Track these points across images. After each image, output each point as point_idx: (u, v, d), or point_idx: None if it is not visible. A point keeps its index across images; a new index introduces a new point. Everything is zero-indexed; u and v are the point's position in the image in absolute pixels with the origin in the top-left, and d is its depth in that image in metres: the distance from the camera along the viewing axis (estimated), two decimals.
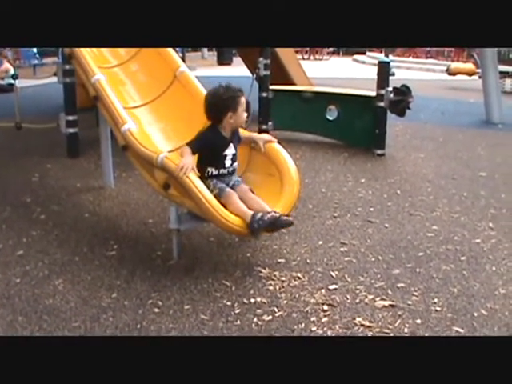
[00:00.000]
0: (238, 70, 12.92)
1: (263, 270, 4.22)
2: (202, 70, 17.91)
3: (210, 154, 4.41)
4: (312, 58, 30.66)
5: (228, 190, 4.28)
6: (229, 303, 3.77)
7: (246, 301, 3.80)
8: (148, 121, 5.28)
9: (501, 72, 15.34)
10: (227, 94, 4.40)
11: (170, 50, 5.71)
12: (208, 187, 4.18)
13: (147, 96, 5.51)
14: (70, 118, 7.37)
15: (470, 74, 18.32)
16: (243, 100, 4.44)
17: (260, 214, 4.04)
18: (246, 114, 4.45)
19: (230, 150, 4.45)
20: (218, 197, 4.19)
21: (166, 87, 5.51)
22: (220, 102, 4.39)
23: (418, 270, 4.34)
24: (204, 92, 5.19)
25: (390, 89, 7.77)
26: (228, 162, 4.44)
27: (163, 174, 4.29)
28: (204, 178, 4.30)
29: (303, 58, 28.92)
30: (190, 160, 4.19)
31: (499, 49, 28.31)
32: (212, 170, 4.39)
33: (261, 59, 8.38)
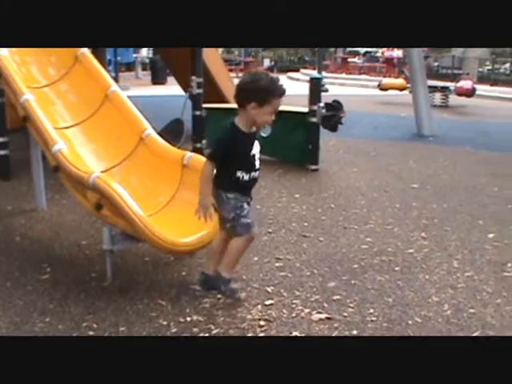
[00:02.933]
0: (172, 90, 12.91)
1: (199, 288, 4.19)
2: (136, 90, 17.83)
3: (237, 156, 3.84)
4: None
5: (254, 230, 3.96)
6: (165, 323, 3.74)
7: (182, 319, 3.77)
8: (79, 141, 5.21)
9: (430, 86, 15.76)
10: (265, 85, 3.76)
11: (101, 69, 5.66)
12: (226, 211, 3.86)
13: (78, 116, 5.44)
14: (0, 139, 7.21)
15: (401, 88, 18.74)
16: (277, 102, 3.81)
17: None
18: (271, 119, 3.85)
19: (256, 149, 3.94)
20: (233, 230, 3.90)
21: (98, 107, 5.46)
22: (253, 87, 3.76)
23: (353, 281, 4.39)
24: (136, 111, 5.17)
25: (322, 104, 7.88)
26: (257, 163, 3.93)
27: (95, 194, 4.24)
28: (226, 190, 3.85)
29: (238, 77, 29.07)
30: (208, 197, 3.79)
31: (428, 64, 29.06)
32: (243, 175, 3.84)
33: (193, 77, 8.38)
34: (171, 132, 8.32)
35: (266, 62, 38.52)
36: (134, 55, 27.62)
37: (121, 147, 5.01)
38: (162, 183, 4.78)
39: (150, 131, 5.10)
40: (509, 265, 4.85)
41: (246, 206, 3.89)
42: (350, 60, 38.20)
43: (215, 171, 3.84)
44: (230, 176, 3.83)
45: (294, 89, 10.63)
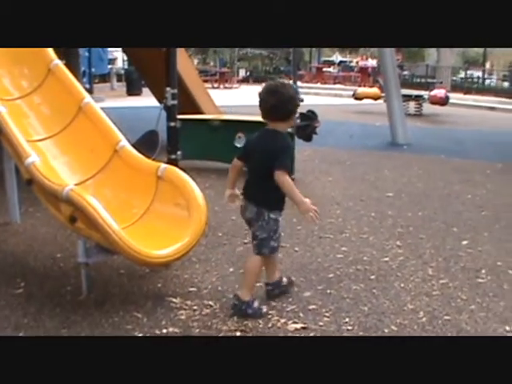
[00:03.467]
0: (147, 101, 12.92)
1: (174, 300, 4.18)
2: (111, 101, 17.78)
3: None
4: (222, 86, 30.87)
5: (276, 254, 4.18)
6: (141, 335, 3.72)
7: (158, 332, 3.75)
8: (53, 154, 5.17)
9: (404, 95, 15.91)
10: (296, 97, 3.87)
11: (75, 80, 5.64)
12: (261, 230, 3.89)
13: (52, 129, 5.40)
14: None
15: (376, 98, 18.89)
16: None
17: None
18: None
19: None
20: (256, 248, 3.99)
21: (71, 119, 5.42)
22: (295, 97, 3.83)
23: (328, 291, 4.40)
24: (110, 123, 5.15)
25: (297, 114, 7.89)
26: None
27: (69, 207, 4.21)
28: (270, 208, 3.86)
29: (213, 87, 29.10)
30: (305, 199, 3.72)
31: (403, 74, 29.28)
32: None
33: (168, 89, 8.35)
34: (146, 143, 8.29)
35: (242, 73, 38.66)
36: (109, 66, 27.51)
37: (95, 159, 4.98)
38: (136, 195, 4.76)
39: (124, 143, 5.08)
40: (483, 271, 4.90)
41: (279, 229, 3.94)
42: (324, 70, 38.48)
43: (257, 187, 3.86)
44: (277, 190, 3.76)
45: None
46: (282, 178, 3.68)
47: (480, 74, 34.55)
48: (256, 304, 3.99)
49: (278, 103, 3.78)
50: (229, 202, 4.19)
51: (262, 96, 3.87)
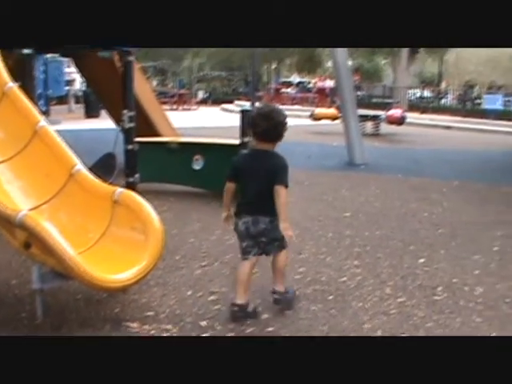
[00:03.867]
0: (105, 123, 12.85)
1: (132, 325, 4.15)
2: (69, 124, 17.65)
3: None
4: (180, 108, 30.87)
5: None
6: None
7: None
8: (7, 178, 5.10)
9: (362, 115, 16.10)
10: None
11: (29, 103, 5.58)
12: (279, 232, 4.20)
13: (6, 153, 5.32)
14: None
15: (333, 118, 19.01)
16: None
17: None
18: None
19: None
20: (279, 246, 4.42)
21: (26, 143, 5.35)
22: (285, 122, 4.34)
23: (286, 312, 4.40)
24: (65, 147, 5.10)
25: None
26: None
27: (23, 232, 4.16)
28: (276, 215, 4.18)
29: (172, 109, 29.09)
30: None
31: (359, 94, 29.67)
32: None
33: (125, 111, 8.34)
34: (103, 167, 8.26)
35: (201, 94, 38.69)
36: (67, 88, 27.28)
37: (50, 184, 4.93)
38: (92, 220, 4.72)
39: (80, 167, 5.04)
40: (439, 288, 4.96)
41: None
42: (283, 90, 38.71)
43: (266, 200, 4.16)
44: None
45: (228, 121, 10.81)
46: (283, 192, 4.13)
47: (430, 93, 35.14)
48: (291, 293, 4.57)
49: (270, 127, 4.22)
50: (225, 223, 4.60)
51: (256, 120, 4.29)
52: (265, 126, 4.20)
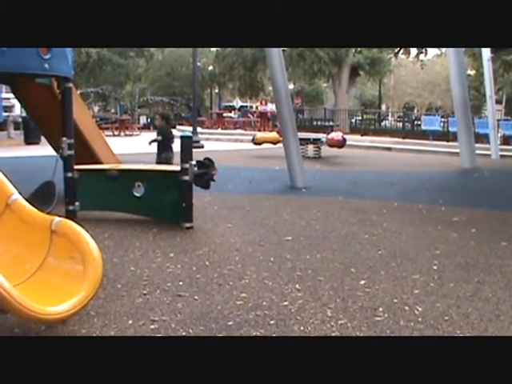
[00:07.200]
0: (46, 150, 12.64)
1: None
2: (7, 151, 17.36)
3: None
4: (122, 133, 30.69)
5: None
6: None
7: None
8: None
9: (303, 139, 16.28)
10: None
11: (2, 177, 5.36)
12: None
13: None
14: None
15: (275, 142, 19.16)
16: None
17: None
18: None
19: None
20: None
21: None
22: None
23: None
24: (1, 176, 5.02)
25: (194, 162, 7.94)
26: None
27: None
28: None
29: (114, 135, 28.91)
30: None
31: (300, 117, 29.98)
32: None
33: (64, 139, 8.25)
34: (42, 195, 8.12)
35: (143, 120, 38.56)
36: (6, 114, 26.84)
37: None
38: (29, 251, 4.65)
39: (17, 196, 4.97)
40: (380, 309, 5.02)
41: None
42: (225, 115, 38.89)
43: None
44: None
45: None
46: None
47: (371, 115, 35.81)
48: None
49: None
50: None
51: None
52: None
